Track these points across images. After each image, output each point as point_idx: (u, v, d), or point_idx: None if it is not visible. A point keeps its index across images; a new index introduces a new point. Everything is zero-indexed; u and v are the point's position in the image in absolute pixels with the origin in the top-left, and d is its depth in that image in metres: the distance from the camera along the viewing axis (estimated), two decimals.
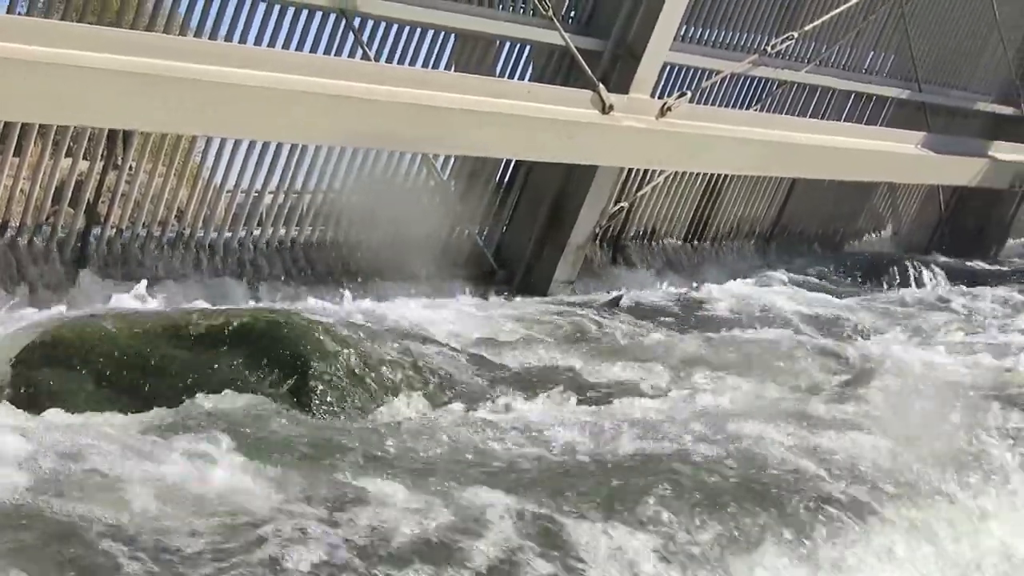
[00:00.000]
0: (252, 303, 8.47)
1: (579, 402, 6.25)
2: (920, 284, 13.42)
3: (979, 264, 15.44)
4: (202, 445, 4.68)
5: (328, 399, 5.76)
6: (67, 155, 8.39)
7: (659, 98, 10.59)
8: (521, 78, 10.63)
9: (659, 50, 10.57)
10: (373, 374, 6.10)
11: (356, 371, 6.01)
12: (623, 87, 10.27)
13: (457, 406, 6.00)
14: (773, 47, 11.87)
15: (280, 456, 4.79)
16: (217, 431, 4.87)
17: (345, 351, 6.08)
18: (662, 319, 9.45)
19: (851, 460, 5.26)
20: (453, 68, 10.07)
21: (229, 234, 9.39)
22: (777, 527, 4.51)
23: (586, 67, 9.80)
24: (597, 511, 4.40)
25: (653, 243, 12.81)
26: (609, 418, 5.76)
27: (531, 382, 6.62)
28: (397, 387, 6.11)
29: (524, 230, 10.93)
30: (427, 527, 4.06)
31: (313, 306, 8.28)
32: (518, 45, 10.56)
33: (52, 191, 8.41)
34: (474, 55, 10.24)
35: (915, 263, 13.82)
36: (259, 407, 5.47)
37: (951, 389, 6.61)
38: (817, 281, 12.98)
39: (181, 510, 4.02)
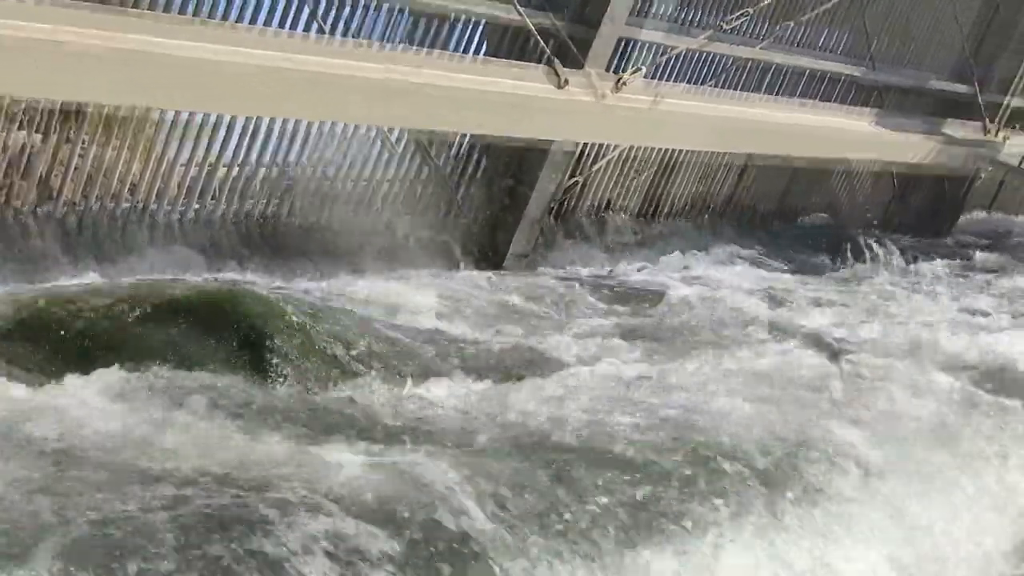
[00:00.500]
0: (209, 277, 8.47)
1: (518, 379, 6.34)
2: (874, 260, 13.54)
3: (931, 240, 15.61)
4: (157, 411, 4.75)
5: (284, 372, 5.81)
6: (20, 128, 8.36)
7: (614, 73, 10.64)
8: (476, 54, 10.63)
9: (614, 25, 10.62)
10: (327, 348, 6.15)
11: (311, 345, 6.06)
12: (578, 63, 10.31)
13: (407, 379, 6.06)
14: (728, 23, 11.93)
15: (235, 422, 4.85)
16: (172, 398, 4.94)
17: (300, 325, 6.14)
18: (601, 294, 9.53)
19: None
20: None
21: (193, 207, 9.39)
22: None
23: (541, 42, 9.83)
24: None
25: (606, 218, 12.85)
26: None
27: (479, 357, 6.69)
28: (350, 360, 6.16)
29: (481, 205, 10.96)
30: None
31: (269, 282, 8.33)
32: (472, 20, 10.55)
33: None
34: (429, 32, 10.25)
35: (866, 239, 13.93)
36: (215, 379, 5.51)
37: None
38: (767, 258, 13.09)
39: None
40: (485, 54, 10.47)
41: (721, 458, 5.31)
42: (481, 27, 10.53)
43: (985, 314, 9.38)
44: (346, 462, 4.51)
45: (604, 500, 4.69)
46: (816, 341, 7.81)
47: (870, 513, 5.47)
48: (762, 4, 12.08)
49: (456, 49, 10.37)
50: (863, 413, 6.41)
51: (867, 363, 7.18)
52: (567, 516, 4.48)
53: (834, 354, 7.53)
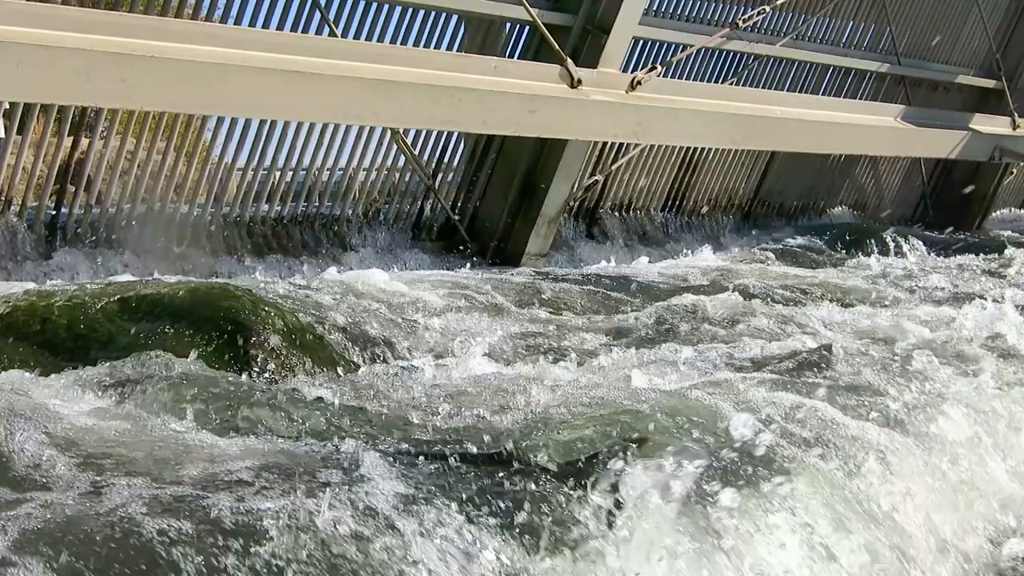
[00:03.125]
0: (214, 277, 8.62)
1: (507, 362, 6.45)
2: (900, 255, 13.52)
3: (960, 235, 15.55)
4: (146, 404, 4.88)
5: (269, 366, 5.92)
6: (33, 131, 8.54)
7: (629, 72, 10.72)
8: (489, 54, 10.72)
9: (628, 24, 10.68)
10: (320, 342, 6.26)
11: (301, 340, 6.17)
12: (592, 62, 10.39)
13: (399, 371, 6.16)
14: (746, 20, 11.98)
15: (216, 414, 4.96)
16: (156, 391, 5.07)
17: (291, 320, 6.25)
18: (613, 289, 9.60)
19: None
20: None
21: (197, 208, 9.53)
22: None
23: (554, 42, 9.90)
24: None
25: (629, 216, 12.94)
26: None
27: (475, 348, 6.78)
28: (341, 355, 6.27)
29: (496, 204, 11.08)
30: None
31: (274, 278, 8.45)
32: (486, 21, 10.66)
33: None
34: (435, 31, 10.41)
35: (894, 236, 13.91)
36: (200, 373, 5.63)
37: None
38: (793, 253, 13.10)
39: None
40: (498, 54, 10.60)
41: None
42: (492, 27, 10.65)
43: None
44: None
45: None
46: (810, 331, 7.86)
47: None
48: (780, 0, 12.11)
49: (465, 49, 10.52)
50: None
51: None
52: None
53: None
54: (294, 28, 9.33)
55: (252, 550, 3.51)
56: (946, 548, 5.10)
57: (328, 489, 3.88)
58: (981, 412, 6.04)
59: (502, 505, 4.03)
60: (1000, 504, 5.57)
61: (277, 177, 9.89)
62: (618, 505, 4.08)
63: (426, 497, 3.99)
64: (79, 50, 7.05)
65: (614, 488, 4.13)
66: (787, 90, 13.76)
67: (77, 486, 3.93)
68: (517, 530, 3.93)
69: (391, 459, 4.30)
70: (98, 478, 3.96)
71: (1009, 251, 13.24)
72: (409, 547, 3.70)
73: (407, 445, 4.70)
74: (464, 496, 4.02)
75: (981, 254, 13.52)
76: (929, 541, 5.01)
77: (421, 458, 4.39)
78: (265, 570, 3.47)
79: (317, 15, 9.38)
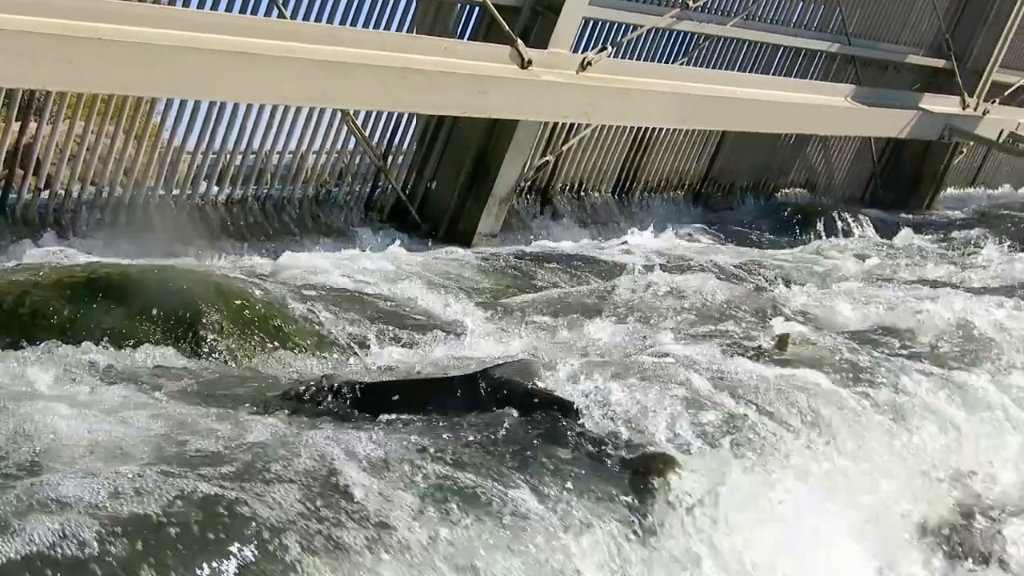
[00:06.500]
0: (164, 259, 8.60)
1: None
2: (848, 235, 13.64)
3: (910, 215, 15.70)
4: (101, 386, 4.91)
5: (219, 348, 5.93)
6: None
7: (580, 53, 10.75)
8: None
9: (578, 4, 10.69)
10: (271, 325, 6.27)
11: (251, 322, 6.18)
12: (542, 43, 10.41)
13: (350, 353, 6.19)
14: (696, 0, 12.03)
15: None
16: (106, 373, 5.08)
17: (241, 302, 6.26)
18: (559, 268, 9.67)
19: None
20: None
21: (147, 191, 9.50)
22: None
23: (504, 23, 9.91)
24: None
25: (580, 196, 12.98)
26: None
27: (425, 328, 6.82)
28: (294, 336, 6.28)
29: (448, 184, 11.10)
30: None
31: (224, 260, 8.47)
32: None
33: None
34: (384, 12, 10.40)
35: (843, 215, 14.03)
36: (149, 356, 5.65)
37: None
38: (742, 233, 13.20)
39: None
40: (448, 35, 10.61)
41: None
42: (442, 7, 10.66)
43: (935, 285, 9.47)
44: None
45: None
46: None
47: None
48: None
49: (415, 30, 10.51)
50: None
51: None
52: None
53: None
54: (243, 10, 9.31)
55: None
56: None
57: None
58: None
59: None
60: None
61: (228, 160, 9.87)
62: None
63: None
64: (25, 32, 7.02)
65: None
66: (737, 70, 13.80)
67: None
68: None
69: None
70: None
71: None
72: None
73: None
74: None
75: (928, 233, 13.70)
76: None
77: None
78: None
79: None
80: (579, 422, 4.83)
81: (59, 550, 3.35)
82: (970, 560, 5.59)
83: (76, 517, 3.48)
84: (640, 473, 4.57)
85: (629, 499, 4.44)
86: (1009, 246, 12.76)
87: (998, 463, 6.24)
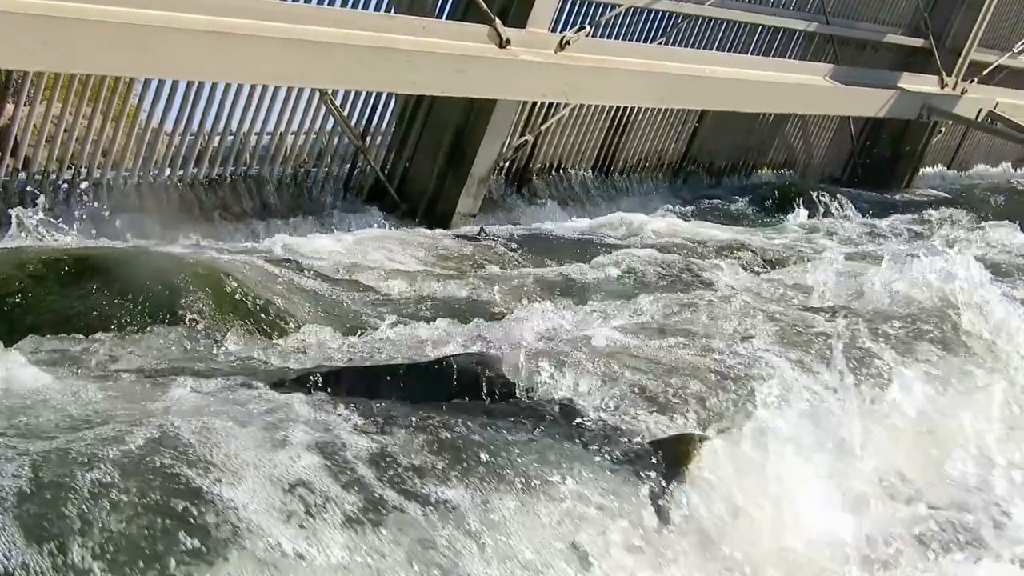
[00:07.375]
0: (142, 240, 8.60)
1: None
2: (827, 214, 13.67)
3: (889, 195, 15.74)
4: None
5: (198, 329, 5.93)
6: None
7: (558, 32, 10.75)
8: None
9: None
10: (247, 306, 6.28)
11: (229, 303, 6.18)
12: (520, 22, 10.40)
13: (325, 334, 6.20)
14: None
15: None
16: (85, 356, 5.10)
17: (220, 283, 6.26)
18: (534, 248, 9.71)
19: None
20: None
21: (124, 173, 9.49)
22: None
23: (481, 2, 9.91)
24: None
25: (559, 176, 12.99)
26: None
27: (405, 310, 6.83)
28: (270, 317, 6.29)
29: (426, 164, 11.09)
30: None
31: (203, 240, 8.46)
32: None
33: None
34: None
35: (821, 194, 14.05)
36: (128, 339, 5.65)
37: None
38: (721, 212, 13.23)
39: None
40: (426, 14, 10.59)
41: None
42: None
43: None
44: None
45: None
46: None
47: None
48: None
49: (394, 10, 10.50)
50: None
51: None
52: None
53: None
54: None
55: None
56: None
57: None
58: None
59: None
60: None
61: (206, 140, 9.85)
62: None
63: None
64: (4, 13, 7.00)
65: None
66: (716, 49, 13.83)
67: None
68: None
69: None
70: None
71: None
72: None
73: None
74: None
75: (907, 213, 13.74)
76: None
77: None
78: None
79: None
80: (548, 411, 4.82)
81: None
82: None
83: None
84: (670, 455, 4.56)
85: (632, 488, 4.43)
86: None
87: None
